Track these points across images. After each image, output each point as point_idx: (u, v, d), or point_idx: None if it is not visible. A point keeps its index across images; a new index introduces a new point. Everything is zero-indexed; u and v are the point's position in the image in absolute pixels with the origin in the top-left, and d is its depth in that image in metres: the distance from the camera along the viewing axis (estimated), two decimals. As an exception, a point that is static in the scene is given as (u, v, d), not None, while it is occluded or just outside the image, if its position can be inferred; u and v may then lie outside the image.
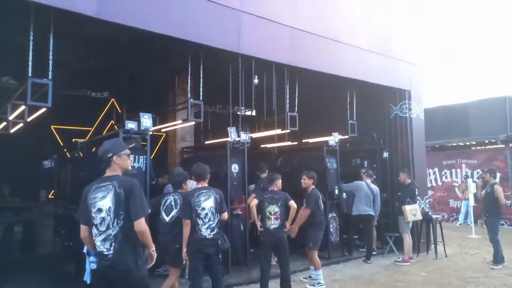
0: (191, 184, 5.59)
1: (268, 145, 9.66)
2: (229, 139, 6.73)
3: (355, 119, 8.56)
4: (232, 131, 6.78)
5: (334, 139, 7.86)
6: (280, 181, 5.40)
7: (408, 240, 7.40)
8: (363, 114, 8.76)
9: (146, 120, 5.58)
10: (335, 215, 7.82)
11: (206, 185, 4.59)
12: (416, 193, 7.78)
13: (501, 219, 7.55)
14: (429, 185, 13.22)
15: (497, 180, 11.98)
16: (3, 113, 7.27)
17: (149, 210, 3.08)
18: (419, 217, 7.54)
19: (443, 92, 33.47)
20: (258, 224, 5.24)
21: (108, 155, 2.96)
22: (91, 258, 2.91)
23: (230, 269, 6.32)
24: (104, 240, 2.85)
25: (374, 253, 7.69)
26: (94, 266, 2.89)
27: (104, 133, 8.83)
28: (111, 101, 10.47)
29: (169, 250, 4.70)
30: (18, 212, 7.93)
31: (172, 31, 5.49)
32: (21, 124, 7.50)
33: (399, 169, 8.30)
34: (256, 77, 7.30)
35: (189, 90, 6.90)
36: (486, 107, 13.30)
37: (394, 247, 7.73)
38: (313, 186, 5.96)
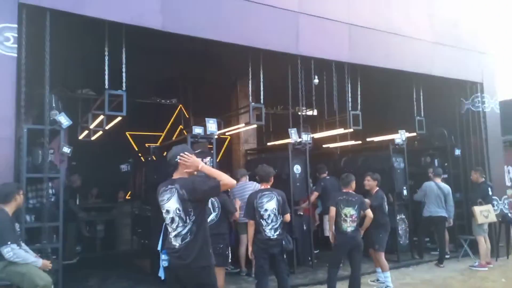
0: (254, 185, 5.75)
1: (331, 145, 9.57)
2: (290, 140, 6.81)
3: (422, 115, 8.18)
4: (293, 132, 6.85)
5: (400, 137, 7.59)
6: (354, 182, 5.34)
7: (483, 243, 6.91)
8: (431, 109, 8.33)
9: (212, 125, 5.88)
10: (403, 216, 7.56)
11: (269, 186, 4.71)
12: (490, 193, 7.24)
13: None
14: (508, 184, 12.17)
15: None
16: (85, 122, 8.04)
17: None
18: (492, 219, 7.00)
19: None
20: (332, 237, 5.16)
21: (176, 159, 3.17)
22: (163, 256, 3.14)
23: (295, 269, 6.40)
24: (176, 236, 3.06)
25: (447, 256, 7.30)
26: (165, 263, 3.11)
27: (174, 138, 9.38)
28: (179, 107, 11.06)
29: (214, 250, 4.89)
30: (100, 212, 8.66)
31: (232, 38, 5.72)
32: (100, 132, 8.24)
33: (473, 167, 7.79)
34: (316, 76, 7.30)
35: (250, 94, 7.10)
36: None
37: (469, 251, 7.27)
38: (377, 188, 5.84)
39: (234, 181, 3.22)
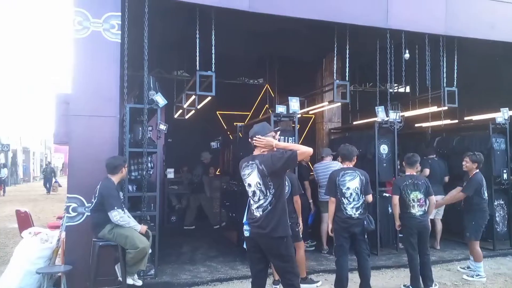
0: (338, 165, 5.72)
1: (424, 124, 9.00)
2: (377, 118, 6.59)
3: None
4: (380, 110, 6.61)
5: (503, 115, 6.86)
6: (419, 163, 5.08)
7: None
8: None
9: (294, 104, 5.95)
10: (502, 202, 6.90)
11: (351, 165, 4.68)
12: None
13: None
14: None
15: None
16: (179, 101, 8.67)
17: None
18: None
19: None
20: (398, 223, 4.99)
21: (252, 141, 3.36)
22: (245, 226, 3.37)
23: (378, 251, 6.31)
24: (257, 208, 3.28)
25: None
26: (247, 233, 3.34)
27: (260, 117, 9.64)
28: (265, 87, 11.28)
29: None
30: (193, 186, 9.35)
31: (317, 15, 5.68)
32: (193, 111, 8.82)
33: None
34: (407, 51, 6.88)
35: (335, 71, 6.96)
36: None
37: None
38: (477, 170, 5.40)
39: (311, 149, 3.31)
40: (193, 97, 7.30)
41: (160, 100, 5.18)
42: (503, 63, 7.78)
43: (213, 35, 5.67)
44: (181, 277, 5.25)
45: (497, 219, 6.79)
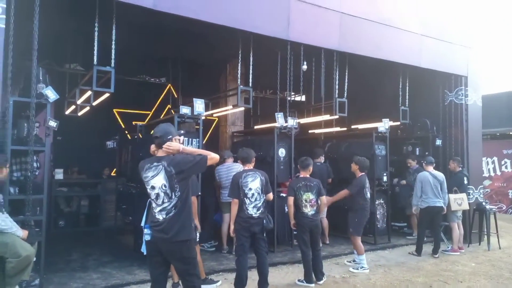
0: (240, 167, 5.88)
1: (317, 131, 9.73)
2: (276, 124, 6.92)
3: (407, 105, 8.37)
4: (279, 116, 6.97)
5: (384, 125, 7.76)
6: (312, 166, 5.49)
7: (456, 229, 7.19)
8: (415, 100, 8.53)
9: (199, 105, 5.94)
10: (382, 201, 7.80)
11: (251, 167, 4.86)
12: (466, 182, 7.52)
13: None
14: (486, 174, 12.61)
15: None
16: (72, 97, 8.01)
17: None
18: (465, 207, 7.24)
19: (506, 78, 31.09)
20: (293, 222, 5.31)
21: (169, 137, 3.25)
22: (145, 230, 3.26)
23: (275, 248, 6.60)
24: (160, 211, 3.18)
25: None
26: (148, 237, 3.22)
27: (162, 117, 9.40)
28: (168, 86, 11.04)
29: None
30: (85, 187, 8.71)
31: (223, 20, 5.73)
32: (88, 108, 8.21)
33: (452, 157, 8.04)
34: (305, 63, 7.37)
35: (239, 76, 7.15)
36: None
37: (444, 236, 7.56)
38: (362, 173, 6.00)
39: (218, 156, 3.40)
40: (89, 93, 6.82)
41: (51, 94, 4.74)
42: (386, 79, 8.80)
43: (114, 29, 5.38)
44: (71, 286, 4.85)
45: (378, 216, 7.64)
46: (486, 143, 10.74)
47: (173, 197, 3.16)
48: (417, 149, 8.85)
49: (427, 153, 8.46)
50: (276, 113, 7.03)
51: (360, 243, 5.94)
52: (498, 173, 13.02)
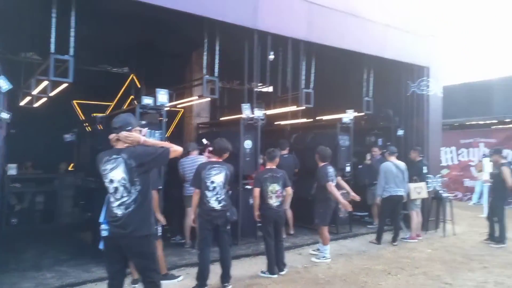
0: (204, 159, 5.82)
1: (283, 122, 9.77)
2: (243, 115, 6.88)
3: (371, 96, 8.52)
4: (246, 107, 6.92)
5: (348, 116, 7.89)
6: (279, 158, 5.53)
7: (415, 217, 7.48)
8: (379, 91, 8.70)
9: (162, 96, 5.77)
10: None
11: (220, 160, 4.79)
12: (425, 171, 7.80)
13: (507, 200, 7.50)
14: (445, 164, 13.12)
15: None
16: (27, 87, 7.62)
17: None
18: (424, 195, 7.53)
19: (465, 69, 32.45)
20: (257, 213, 5.32)
21: (128, 128, 3.14)
22: (102, 226, 3.16)
23: (239, 241, 6.62)
24: (119, 205, 3.09)
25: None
26: (105, 233, 3.14)
27: (124, 108, 9.14)
28: (131, 76, 10.72)
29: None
30: (40, 183, 8.33)
31: (187, 7, 5.59)
32: (45, 99, 7.84)
33: (413, 147, 8.29)
34: (271, 53, 7.34)
35: (205, 66, 7.03)
36: (509, 85, 12.94)
37: (403, 224, 7.83)
38: (324, 163, 6.05)
39: (181, 148, 3.33)
40: (45, 83, 6.51)
41: (3, 84, 4.51)
42: (351, 70, 8.91)
43: (73, 16, 5.14)
44: (21, 286, 4.65)
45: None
46: (445, 133, 11.13)
47: (133, 191, 3.08)
48: (380, 139, 9.09)
49: (389, 143, 8.69)
50: (242, 104, 6.98)
51: (326, 233, 6.03)
52: (456, 162, 13.60)
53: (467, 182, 13.25)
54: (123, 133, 3.10)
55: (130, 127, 3.16)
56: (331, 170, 6.03)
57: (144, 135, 3.24)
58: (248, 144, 6.99)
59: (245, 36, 6.83)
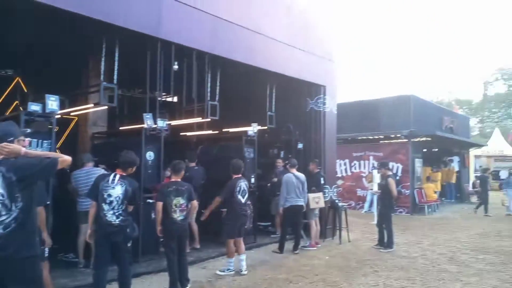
0: (100, 171, 5.42)
1: (189, 133, 9.59)
2: (144, 125, 6.57)
3: (273, 111, 8.83)
4: (148, 117, 6.63)
5: (253, 129, 8.05)
6: (184, 171, 5.40)
7: (314, 226, 7.89)
8: (281, 106, 9.07)
9: (52, 102, 5.24)
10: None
11: (124, 174, 4.47)
12: (322, 182, 8.31)
13: (393, 209, 8.35)
14: (339, 175, 14.16)
15: (399, 171, 13.28)
16: None
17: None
18: (322, 204, 8.01)
19: (358, 89, 35.94)
20: (159, 228, 5.10)
21: (10, 139, 2.80)
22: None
23: (140, 257, 6.24)
24: None
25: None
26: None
27: (7, 114, 8.11)
28: (16, 79, 9.59)
29: None
30: None
31: (86, 10, 5.18)
32: None
33: (312, 159, 8.77)
34: (176, 63, 7.18)
35: (102, 72, 6.57)
36: (394, 104, 14.61)
37: (304, 233, 8.18)
38: (236, 176, 6.07)
39: (71, 158, 3.02)
40: None
41: None
42: (257, 85, 9.14)
43: None
44: None
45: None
46: (340, 146, 12.03)
47: (13, 208, 2.70)
48: (282, 152, 9.44)
49: (290, 155, 9.07)
50: (144, 114, 6.67)
51: (231, 246, 6.00)
52: (349, 173, 14.77)
53: (360, 192, 14.47)
54: (3, 144, 2.74)
55: (12, 138, 2.81)
56: (242, 183, 6.05)
57: (25, 146, 2.87)
58: (150, 155, 6.69)
59: (148, 44, 6.58)
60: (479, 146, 21.55)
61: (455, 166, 17.49)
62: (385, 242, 7.91)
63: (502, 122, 44.41)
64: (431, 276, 6.04)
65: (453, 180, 17.02)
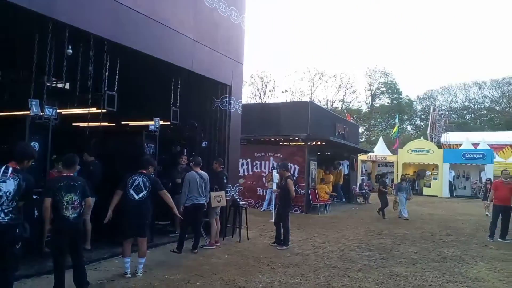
0: None
1: (82, 124, 8.79)
2: (29, 112, 5.84)
3: (178, 106, 8.57)
4: (34, 103, 5.90)
5: (155, 124, 7.71)
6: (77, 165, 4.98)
7: (214, 224, 7.85)
8: (186, 102, 8.83)
9: None
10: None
11: (17, 167, 3.96)
12: (225, 181, 8.33)
13: (291, 208, 8.72)
14: (242, 174, 14.39)
15: (296, 172, 13.94)
16: None
17: None
18: (223, 203, 8.03)
19: (262, 91, 37.15)
20: (47, 228, 4.63)
21: None
22: None
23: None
24: None
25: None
26: None
27: None
28: None
29: None
30: None
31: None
32: None
33: (216, 158, 8.71)
34: (70, 47, 6.51)
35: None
36: (294, 109, 15.34)
37: (204, 232, 8.08)
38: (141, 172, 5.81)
39: None
40: None
41: None
42: (160, 78, 8.75)
43: None
44: None
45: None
46: (243, 146, 12.20)
47: None
48: (185, 149, 9.23)
49: (194, 153, 8.91)
50: (30, 100, 5.92)
51: (125, 246, 5.66)
52: (251, 172, 15.09)
53: (260, 191, 14.86)
54: None
55: None
56: (139, 179, 5.75)
57: None
58: (34, 146, 5.96)
59: (37, 23, 5.86)
60: (366, 152, 23.94)
61: (343, 169, 19.02)
62: (281, 239, 8.20)
63: (385, 131, 49.94)
64: (323, 272, 6.40)
65: (341, 182, 18.52)
